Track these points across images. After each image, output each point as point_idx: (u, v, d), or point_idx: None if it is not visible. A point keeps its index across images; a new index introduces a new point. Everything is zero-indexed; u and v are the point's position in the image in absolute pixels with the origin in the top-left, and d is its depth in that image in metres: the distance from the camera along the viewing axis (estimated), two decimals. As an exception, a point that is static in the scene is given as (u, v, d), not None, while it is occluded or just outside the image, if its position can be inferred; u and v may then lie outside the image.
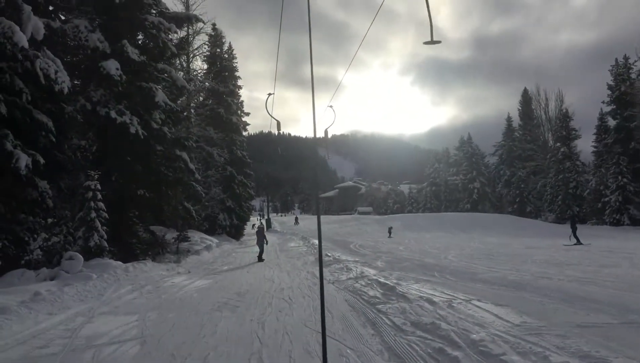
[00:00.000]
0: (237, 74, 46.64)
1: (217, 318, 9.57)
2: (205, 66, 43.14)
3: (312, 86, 5.45)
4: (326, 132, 6.42)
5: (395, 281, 12.34)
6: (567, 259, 19.17)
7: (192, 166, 25.97)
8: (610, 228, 49.48)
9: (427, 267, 17.60)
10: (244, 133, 50.31)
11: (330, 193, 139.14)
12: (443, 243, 33.63)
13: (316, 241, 36.86)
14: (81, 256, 14.81)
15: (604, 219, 54.04)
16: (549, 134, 75.67)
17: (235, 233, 41.30)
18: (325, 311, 9.82)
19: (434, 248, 29.59)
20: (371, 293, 10.63)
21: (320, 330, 7.56)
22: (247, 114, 50.57)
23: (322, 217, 77.98)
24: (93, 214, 16.84)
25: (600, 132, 60.45)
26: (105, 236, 17.10)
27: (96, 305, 11.12)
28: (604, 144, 58.54)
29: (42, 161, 15.43)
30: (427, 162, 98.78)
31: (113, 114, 19.08)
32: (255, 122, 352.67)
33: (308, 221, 74.24)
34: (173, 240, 26.00)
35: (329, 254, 23.07)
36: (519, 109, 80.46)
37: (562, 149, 65.14)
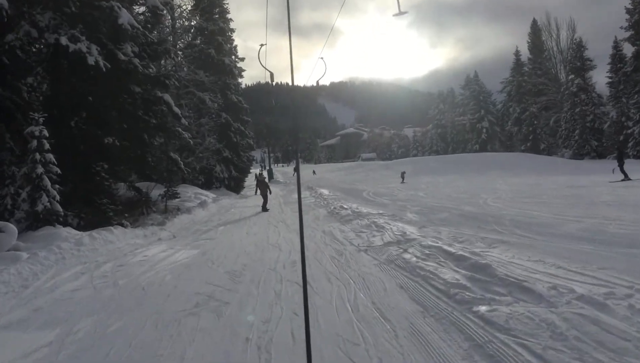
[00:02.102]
0: (228, 16, 41.31)
1: (188, 334, 5.40)
2: (192, 2, 37.87)
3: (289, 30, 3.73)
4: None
5: (461, 246, 8.15)
6: (646, 199, 14.99)
7: (176, 109, 21.52)
8: (636, 161, 45.19)
9: (476, 218, 13.42)
10: (240, 80, 45.55)
11: (332, 141, 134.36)
12: (466, 187, 29.43)
13: (324, 191, 32.74)
14: (14, 228, 10.59)
15: (626, 153, 49.79)
16: (561, 67, 70.62)
17: (235, 186, 37.05)
18: (378, 316, 5.65)
19: (459, 192, 25.42)
20: (446, 275, 6.30)
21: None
22: (242, 59, 45.58)
23: (326, 165, 73.67)
24: (39, 170, 12.55)
25: (616, 61, 55.91)
26: (58, 198, 12.86)
27: (6, 308, 6.96)
28: (623, 73, 53.94)
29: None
30: (428, 105, 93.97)
31: (64, 40, 14.53)
32: (252, 73, 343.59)
33: (310, 171, 69.94)
34: (160, 198, 21.84)
35: (345, 206, 18.88)
36: (528, 42, 74.89)
37: (576, 81, 60.38)
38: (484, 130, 74.46)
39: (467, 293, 5.34)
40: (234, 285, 7.60)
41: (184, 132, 21.26)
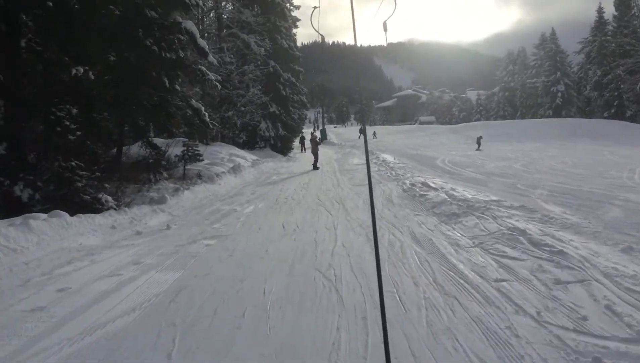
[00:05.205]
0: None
1: None
2: None
3: None
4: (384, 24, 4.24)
5: None
6: None
7: (202, 42, 15.57)
8: None
9: None
10: (294, 30, 39.12)
11: (388, 103, 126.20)
12: (568, 158, 22.44)
13: (387, 157, 26.32)
14: None
15: None
16: (653, 25, 60.41)
17: (282, 146, 30.97)
18: None
19: (568, 165, 18.61)
20: None
21: None
22: (297, 7, 39.08)
23: (381, 128, 65.76)
24: None
25: None
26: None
27: None
28: None
29: None
30: (491, 68, 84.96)
31: None
32: (310, 32, 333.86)
33: (368, 132, 63.09)
34: (176, 159, 16.11)
35: (431, 183, 12.57)
36: (614, -3, 64.59)
37: (674, 40, 50.93)
38: (559, 94, 65.30)
39: None
40: None
41: (209, 72, 15.26)
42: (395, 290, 4.83)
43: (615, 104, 57.26)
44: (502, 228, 6.90)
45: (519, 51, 77.48)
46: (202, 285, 5.34)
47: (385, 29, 4.88)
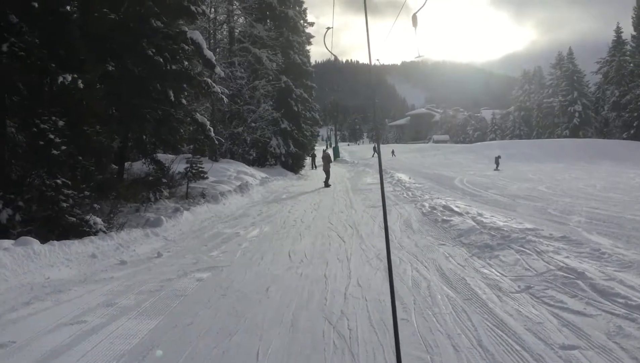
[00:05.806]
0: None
1: None
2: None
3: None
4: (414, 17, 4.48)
5: None
6: None
7: (209, 53, 14.62)
8: None
9: None
10: (307, 47, 38.23)
11: (402, 121, 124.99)
12: (594, 181, 21.08)
13: (402, 176, 25.14)
14: None
15: None
16: (674, 45, 58.97)
17: (293, 164, 29.83)
18: None
19: (597, 188, 17.28)
20: None
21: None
22: (311, 24, 38.30)
23: (395, 146, 64.46)
24: None
25: None
26: None
27: None
28: None
29: None
30: (504, 88, 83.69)
31: None
32: (324, 51, 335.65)
33: (385, 150, 61.91)
34: (179, 176, 15.06)
35: (454, 207, 11.33)
36: (632, 17, 63.19)
37: (696, 61, 49.43)
38: (577, 114, 63.78)
39: None
40: None
41: (214, 85, 14.25)
42: (429, 358, 3.65)
43: (634, 125, 55.69)
44: (551, 267, 5.67)
45: (535, 70, 76.19)
46: (180, 340, 4.19)
47: (414, 24, 4.75)
